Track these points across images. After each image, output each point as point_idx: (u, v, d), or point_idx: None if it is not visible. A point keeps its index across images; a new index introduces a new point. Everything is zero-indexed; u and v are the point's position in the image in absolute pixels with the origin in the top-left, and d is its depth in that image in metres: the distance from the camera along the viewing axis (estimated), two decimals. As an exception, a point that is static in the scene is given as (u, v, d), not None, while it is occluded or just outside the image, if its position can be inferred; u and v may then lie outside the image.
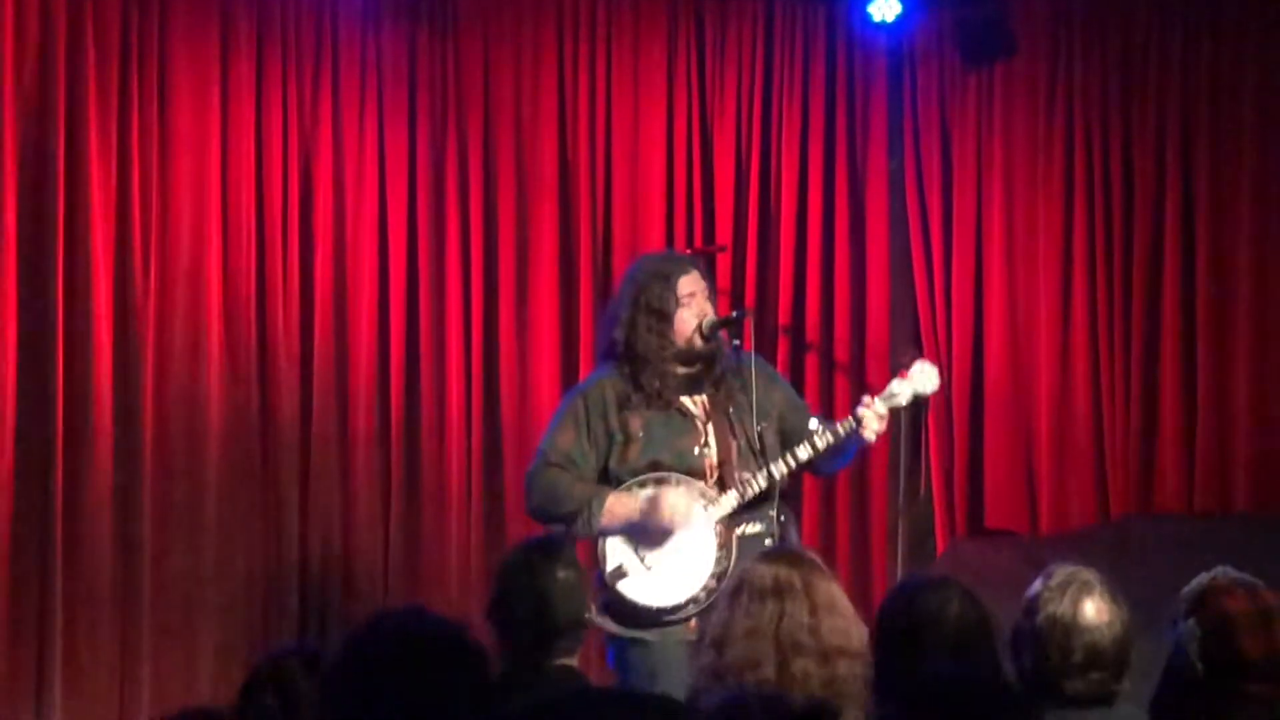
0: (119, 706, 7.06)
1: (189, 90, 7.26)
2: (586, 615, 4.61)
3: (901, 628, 3.85)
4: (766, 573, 4.14)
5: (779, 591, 4.08)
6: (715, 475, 5.77)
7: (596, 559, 5.70)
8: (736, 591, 4.17)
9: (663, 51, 7.87)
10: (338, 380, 7.46)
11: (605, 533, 5.69)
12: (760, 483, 5.70)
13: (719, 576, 5.64)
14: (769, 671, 3.98)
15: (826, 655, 3.96)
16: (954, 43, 7.95)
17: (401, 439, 7.54)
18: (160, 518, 7.14)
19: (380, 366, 7.54)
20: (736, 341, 5.87)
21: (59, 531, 6.91)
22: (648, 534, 5.69)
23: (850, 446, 5.85)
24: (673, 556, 5.70)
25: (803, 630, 4.02)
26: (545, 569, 4.51)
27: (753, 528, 5.73)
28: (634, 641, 5.70)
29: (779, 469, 5.70)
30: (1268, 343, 7.69)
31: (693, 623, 5.65)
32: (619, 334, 5.83)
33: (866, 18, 7.83)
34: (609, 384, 5.80)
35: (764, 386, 5.82)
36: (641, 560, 5.70)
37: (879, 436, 5.84)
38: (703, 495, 5.71)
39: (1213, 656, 3.65)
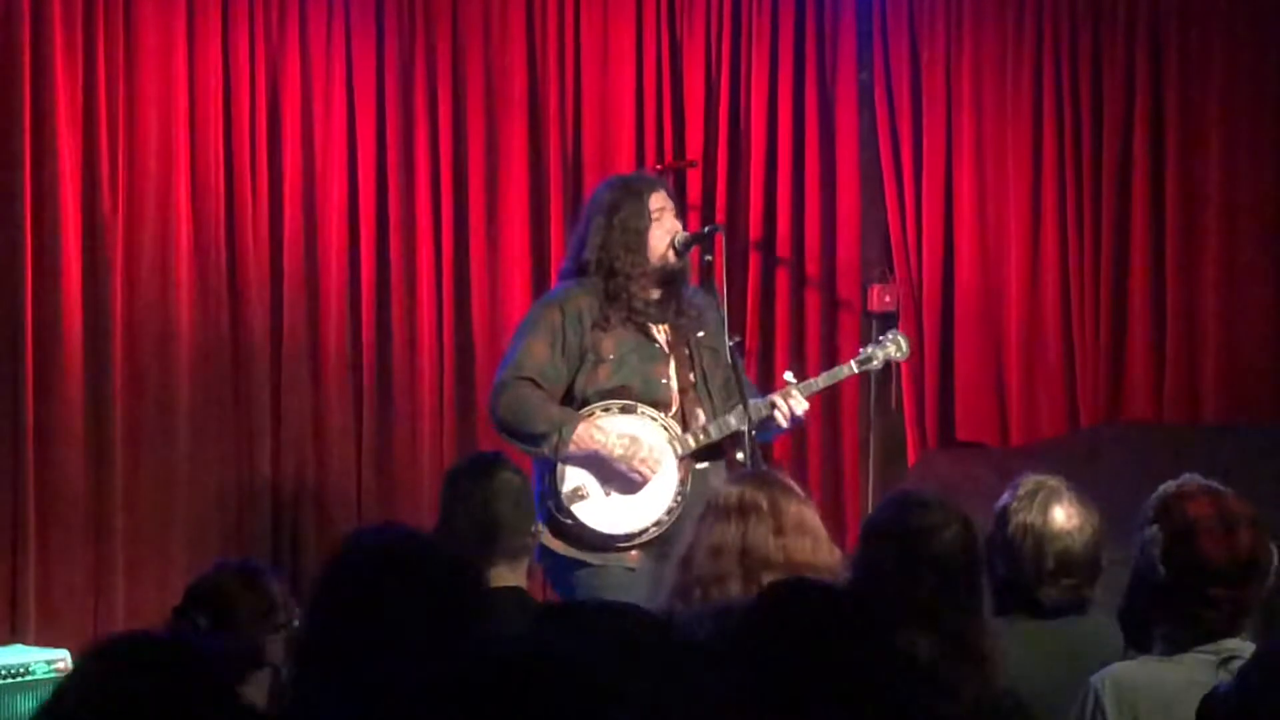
0: (93, 625, 7.04)
1: (154, 5, 7.19)
2: (532, 527, 4.62)
3: (892, 544, 3.81)
4: (733, 492, 4.16)
5: (744, 510, 4.09)
6: (676, 406, 5.78)
7: (551, 477, 5.70)
8: (704, 512, 4.19)
9: (631, -36, 7.83)
10: (308, 297, 7.44)
11: (570, 460, 5.68)
12: (731, 423, 5.72)
13: (672, 511, 5.67)
14: (735, 587, 3.99)
15: (795, 570, 3.97)
16: (923, -45, 7.92)
17: (373, 356, 7.52)
18: (131, 435, 7.12)
19: (350, 283, 7.51)
20: (709, 258, 5.87)
21: (30, 451, 6.88)
22: (613, 470, 5.69)
23: (764, 431, 5.86)
24: (633, 489, 5.71)
25: (769, 547, 4.04)
26: (485, 478, 4.52)
27: (702, 464, 5.76)
28: (578, 563, 5.71)
29: (743, 416, 5.68)
30: (1236, 254, 7.71)
31: (634, 553, 5.68)
32: (590, 254, 5.81)
33: (836, -72, 7.80)
34: (584, 300, 5.78)
35: (717, 327, 5.82)
36: (601, 486, 5.70)
37: (797, 425, 5.85)
38: (666, 430, 5.72)
39: (1175, 561, 3.68)
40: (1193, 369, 7.73)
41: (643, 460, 5.66)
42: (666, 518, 5.67)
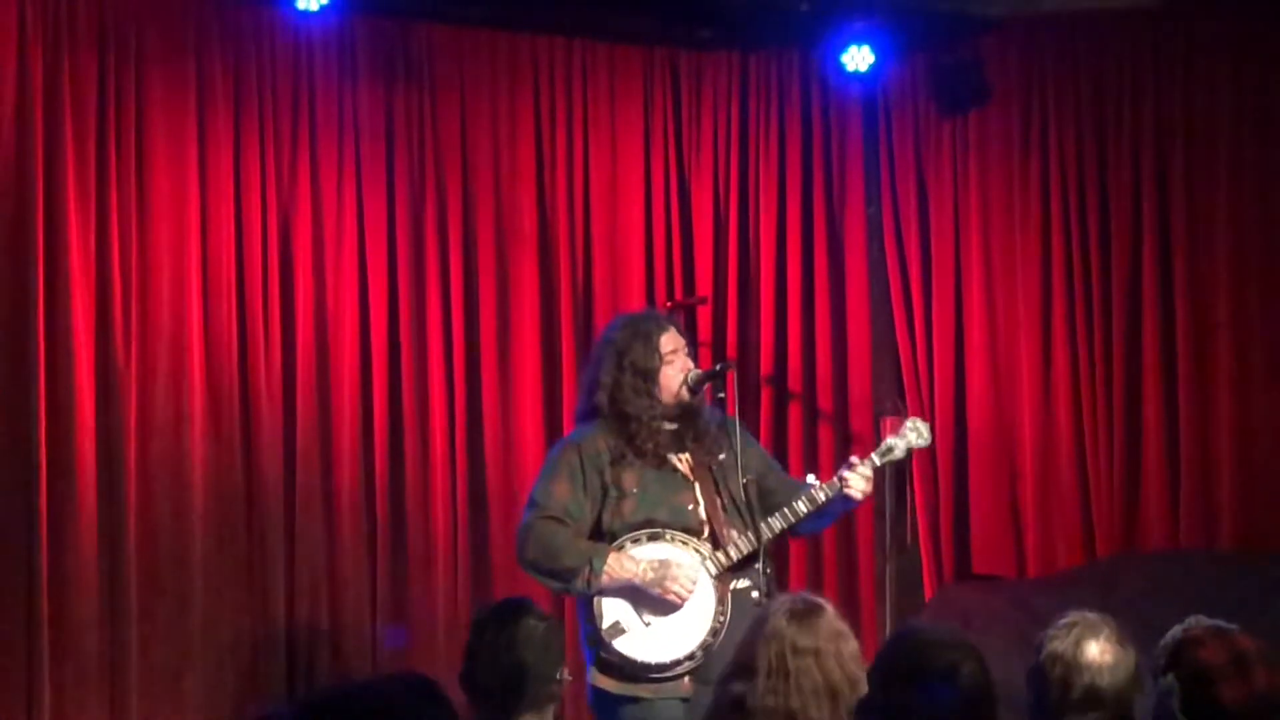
0: (107, 774, 7.02)
1: (167, 154, 7.25)
2: (559, 674, 4.57)
3: (909, 681, 3.76)
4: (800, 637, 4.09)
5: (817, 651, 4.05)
6: (707, 531, 5.77)
7: (590, 615, 5.68)
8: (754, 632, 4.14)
9: (639, 104, 7.92)
10: (321, 441, 7.45)
11: (605, 592, 5.66)
12: (750, 542, 5.70)
13: (715, 632, 5.63)
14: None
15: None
16: (928, 90, 8.00)
17: (386, 499, 7.52)
18: (146, 582, 7.10)
19: (363, 426, 7.53)
20: (721, 395, 5.87)
21: (45, 602, 6.86)
22: (647, 598, 5.67)
23: (835, 508, 5.86)
24: (672, 613, 5.68)
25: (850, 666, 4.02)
26: (512, 625, 4.49)
27: (741, 583, 5.73)
28: (630, 699, 5.66)
29: (768, 527, 5.69)
30: (1249, 381, 7.72)
31: (687, 680, 5.64)
32: (603, 397, 5.80)
33: (840, 68, 7.87)
34: (601, 438, 5.78)
35: (742, 445, 5.82)
36: (639, 616, 5.67)
37: (865, 497, 5.86)
38: (699, 553, 5.71)
39: (1194, 709, 3.68)
40: (1208, 494, 7.71)
41: (673, 579, 5.62)
42: (711, 639, 5.63)
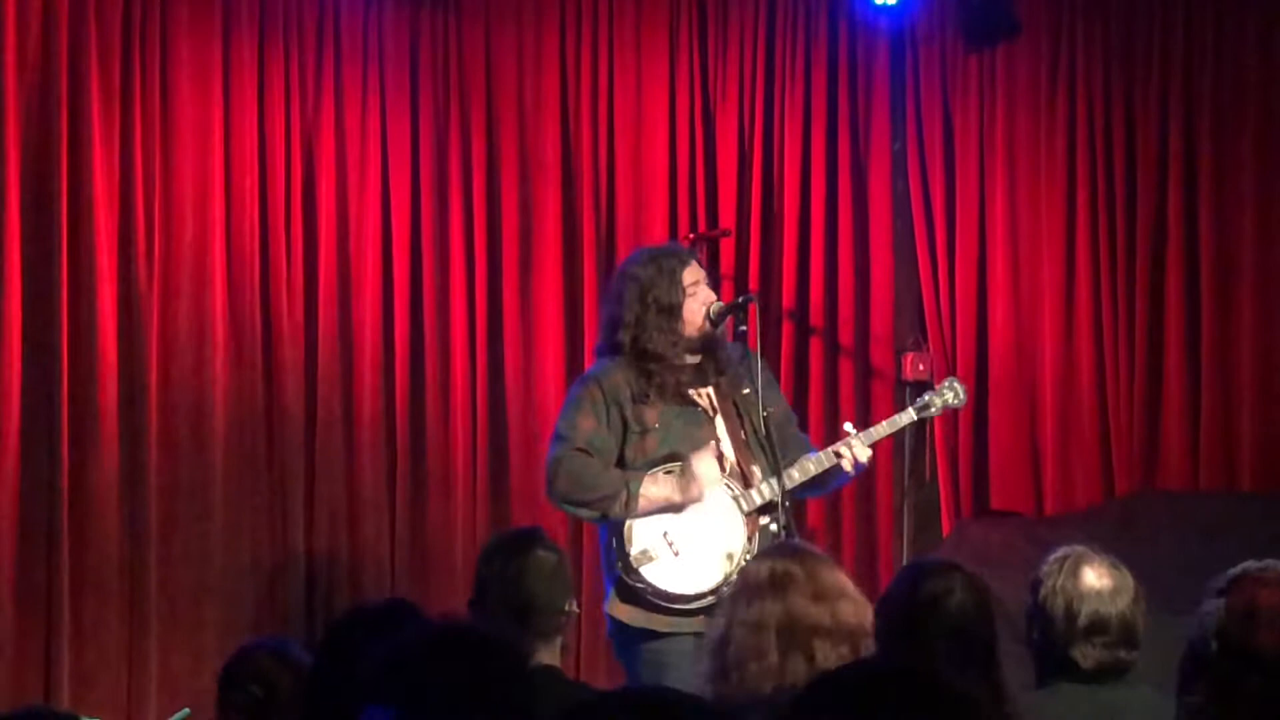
0: (126, 691, 7.06)
1: (191, 76, 7.25)
2: (567, 606, 4.57)
3: (903, 613, 3.84)
4: (763, 567, 4.12)
5: (778, 583, 4.05)
6: (732, 463, 5.77)
7: (619, 542, 5.68)
8: (736, 593, 4.16)
9: (665, 36, 7.88)
10: (342, 366, 7.47)
11: (641, 514, 5.67)
12: (772, 488, 5.70)
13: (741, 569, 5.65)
14: (771, 659, 3.97)
15: (850, 635, 3.95)
16: (956, 24, 7.95)
17: (407, 425, 7.54)
18: (166, 503, 7.14)
19: (385, 352, 7.54)
20: (743, 328, 5.86)
21: (65, 516, 6.91)
22: (680, 513, 5.68)
23: (830, 481, 5.88)
24: (701, 543, 5.69)
25: (814, 614, 4.01)
26: (520, 556, 4.48)
27: (768, 522, 5.74)
28: (645, 634, 5.67)
29: (788, 477, 5.69)
30: (1272, 320, 7.70)
31: (704, 618, 5.64)
32: (625, 335, 5.78)
33: (868, 1, 7.83)
34: (622, 375, 5.76)
35: (764, 381, 5.82)
36: (669, 545, 5.68)
37: (861, 469, 5.88)
38: (730, 489, 5.72)
39: (1228, 639, 3.66)
40: (1228, 436, 7.70)
41: (697, 481, 5.64)
42: (739, 577, 5.65)
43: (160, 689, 7.05)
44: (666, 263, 5.87)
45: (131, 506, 7.08)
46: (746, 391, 5.81)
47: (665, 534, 5.67)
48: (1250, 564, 3.76)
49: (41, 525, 6.93)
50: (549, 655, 4.50)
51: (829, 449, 5.81)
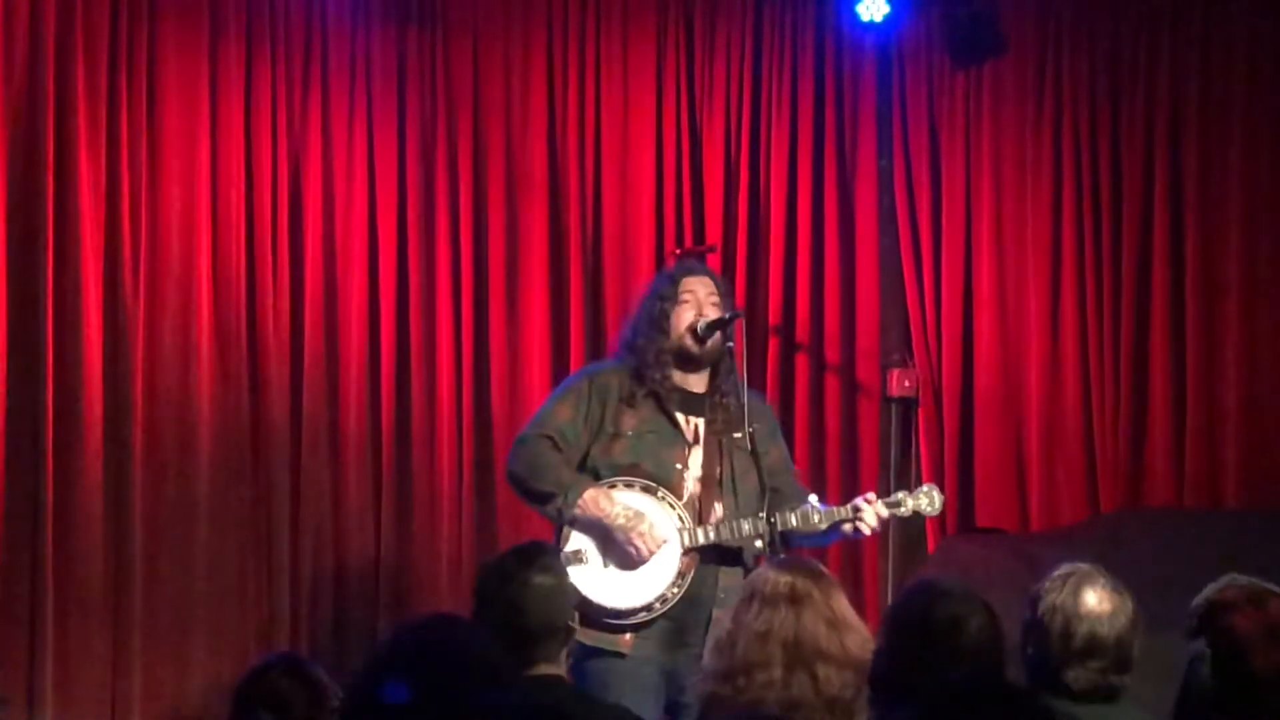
0: (110, 708, 7.04)
1: (178, 90, 7.25)
2: (569, 622, 4.52)
3: (919, 632, 3.76)
4: (783, 580, 4.13)
5: (797, 599, 4.07)
6: (690, 498, 5.75)
7: (558, 537, 5.68)
8: (748, 598, 4.16)
9: (651, 51, 7.88)
10: (328, 382, 7.46)
11: (576, 524, 5.67)
12: (733, 533, 5.68)
13: (665, 600, 5.63)
14: (776, 673, 3.98)
15: (855, 666, 3.96)
16: (942, 42, 7.96)
17: (392, 441, 7.54)
18: (151, 519, 7.13)
19: (370, 368, 7.54)
20: (730, 343, 5.86)
21: (49, 532, 6.89)
22: (613, 541, 5.68)
23: (832, 533, 5.85)
24: (630, 567, 5.68)
25: (823, 639, 4.02)
26: (519, 575, 4.42)
27: (717, 566, 5.72)
28: (593, 651, 5.65)
29: (759, 526, 5.64)
30: (1256, 339, 7.70)
31: (627, 636, 5.64)
32: (627, 331, 5.93)
33: (855, 17, 7.84)
34: (616, 375, 5.83)
35: (767, 434, 5.83)
36: (601, 555, 5.68)
37: (868, 534, 5.87)
38: (681, 523, 5.71)
39: (1225, 675, 3.66)
40: (1213, 454, 7.70)
41: (641, 535, 5.62)
42: (659, 605, 5.63)
43: (144, 705, 7.04)
44: (678, 269, 6.05)
45: (116, 522, 7.07)
46: (739, 436, 5.78)
47: (601, 545, 5.67)
48: (1209, 591, 3.77)
49: (26, 540, 6.91)
50: (553, 668, 4.43)
51: (848, 505, 5.79)
